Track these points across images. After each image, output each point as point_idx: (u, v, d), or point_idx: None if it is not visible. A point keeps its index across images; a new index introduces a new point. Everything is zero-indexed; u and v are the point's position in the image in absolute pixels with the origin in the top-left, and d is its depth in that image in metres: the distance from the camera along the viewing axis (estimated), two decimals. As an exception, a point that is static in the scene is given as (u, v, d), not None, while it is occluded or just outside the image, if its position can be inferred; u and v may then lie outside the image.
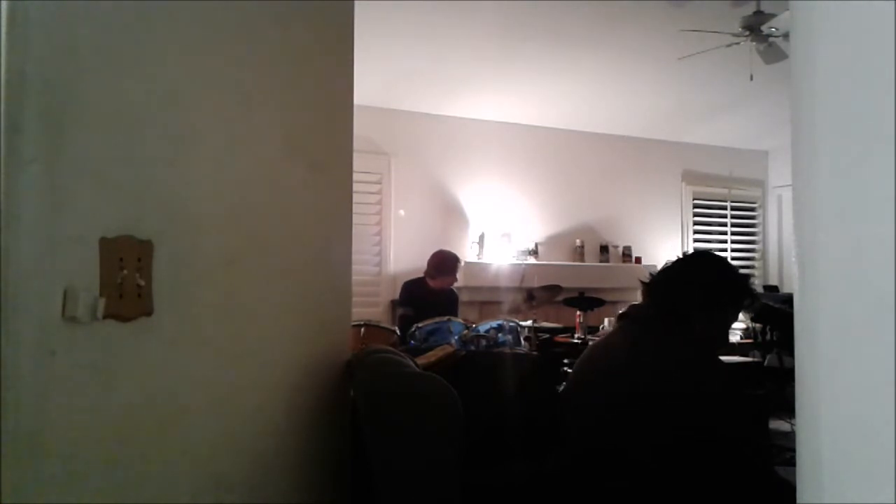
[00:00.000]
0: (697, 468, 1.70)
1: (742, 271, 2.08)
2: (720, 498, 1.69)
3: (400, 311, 4.98)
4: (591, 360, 2.03)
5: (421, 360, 2.24)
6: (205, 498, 1.52)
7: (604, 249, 6.47)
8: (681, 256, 2.08)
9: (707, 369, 1.86)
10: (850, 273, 0.57)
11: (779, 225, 7.29)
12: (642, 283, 2.03)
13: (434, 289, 4.96)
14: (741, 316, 6.37)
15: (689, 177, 7.01)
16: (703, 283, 1.92)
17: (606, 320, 5.45)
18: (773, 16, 4.10)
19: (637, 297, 2.50)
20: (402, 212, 5.76)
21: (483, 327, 3.97)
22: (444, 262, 4.99)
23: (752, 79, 4.46)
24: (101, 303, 1.31)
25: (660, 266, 2.12)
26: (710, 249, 2.09)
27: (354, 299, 2.06)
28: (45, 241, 1.26)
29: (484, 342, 3.82)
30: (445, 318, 4.00)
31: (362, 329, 3.55)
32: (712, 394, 1.80)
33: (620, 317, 2.12)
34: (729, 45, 4.33)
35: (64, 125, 1.30)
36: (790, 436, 4.15)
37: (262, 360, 1.69)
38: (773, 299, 5.41)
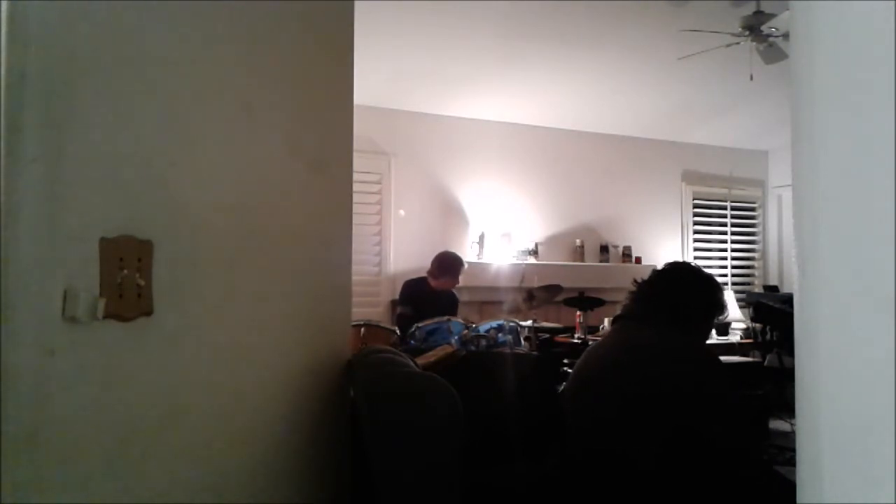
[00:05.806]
0: (697, 468, 1.70)
1: (718, 280, 2.10)
2: (720, 498, 1.69)
3: (399, 309, 4.97)
4: (589, 361, 2.04)
5: (421, 360, 2.24)
6: (205, 498, 1.52)
7: (604, 249, 6.47)
8: (657, 270, 2.09)
9: (706, 369, 1.86)
10: (850, 273, 0.57)
11: (779, 225, 7.29)
12: (630, 292, 2.05)
13: (435, 289, 4.96)
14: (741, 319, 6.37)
15: (689, 177, 7.01)
16: (677, 302, 1.94)
17: (606, 320, 5.45)
18: (773, 16, 4.10)
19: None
20: (402, 212, 5.76)
21: (483, 327, 3.96)
22: (449, 264, 4.99)
23: (752, 79, 4.46)
24: (101, 303, 1.31)
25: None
26: (686, 262, 2.09)
27: (354, 299, 2.05)
28: (45, 241, 1.26)
29: (484, 342, 3.82)
30: (445, 318, 3.99)
31: (362, 329, 3.54)
32: (711, 394, 1.80)
33: (615, 319, 2.13)
34: (729, 45, 4.33)
35: (64, 125, 1.30)
36: (790, 436, 4.15)
37: (262, 360, 1.69)
38: (773, 299, 5.40)
